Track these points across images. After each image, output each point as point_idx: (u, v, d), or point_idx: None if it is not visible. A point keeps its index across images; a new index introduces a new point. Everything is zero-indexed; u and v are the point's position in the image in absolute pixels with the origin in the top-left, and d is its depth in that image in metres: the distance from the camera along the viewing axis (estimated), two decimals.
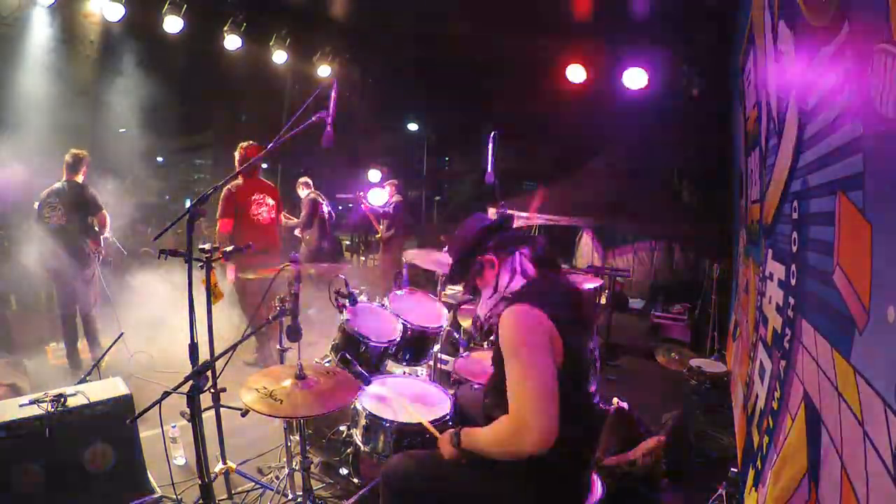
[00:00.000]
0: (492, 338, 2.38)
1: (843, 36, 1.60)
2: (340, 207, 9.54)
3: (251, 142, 5.05)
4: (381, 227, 8.74)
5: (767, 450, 2.40)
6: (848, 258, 1.51)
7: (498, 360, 2.07)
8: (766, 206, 3.10)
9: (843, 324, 1.47)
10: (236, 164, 5.07)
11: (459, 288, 4.91)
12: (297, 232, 7.49)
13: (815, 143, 1.90)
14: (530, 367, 1.84)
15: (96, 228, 5.13)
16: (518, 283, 2.16)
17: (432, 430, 2.63)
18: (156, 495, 2.99)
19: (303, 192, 7.73)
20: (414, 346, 3.71)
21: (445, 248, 2.46)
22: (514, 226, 2.40)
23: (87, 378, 3.74)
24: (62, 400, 2.77)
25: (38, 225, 4.93)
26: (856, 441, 1.34)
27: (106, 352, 4.30)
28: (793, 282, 2.24)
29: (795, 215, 2.21)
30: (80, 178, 5.04)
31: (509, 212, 2.35)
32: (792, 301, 2.23)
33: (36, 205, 4.97)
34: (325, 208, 7.57)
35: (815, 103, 1.92)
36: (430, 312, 3.93)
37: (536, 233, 8.39)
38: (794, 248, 2.21)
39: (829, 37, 1.71)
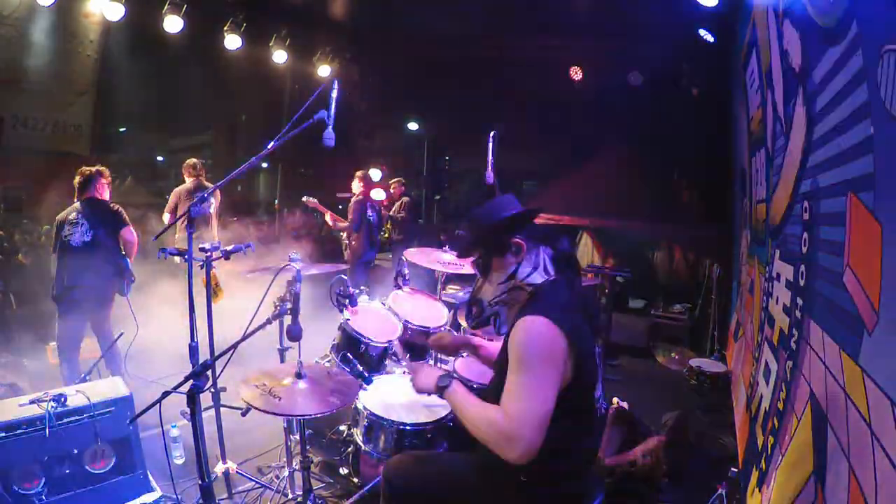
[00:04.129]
0: (487, 327, 2.28)
1: (850, 36, 1.59)
2: (340, 206, 9.52)
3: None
4: (387, 225, 8.65)
5: (772, 450, 2.39)
6: (858, 259, 1.50)
7: (500, 366, 2.04)
8: (774, 206, 3.10)
9: (853, 325, 1.47)
10: None
11: (460, 288, 4.90)
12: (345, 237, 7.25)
13: (825, 144, 1.89)
14: (536, 386, 1.79)
15: (122, 252, 4.52)
16: (539, 278, 2.07)
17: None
18: (156, 495, 2.98)
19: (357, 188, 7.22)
20: (414, 346, 3.70)
21: (465, 224, 2.31)
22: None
23: (88, 378, 3.73)
24: (62, 400, 2.76)
25: (55, 252, 4.33)
26: (863, 442, 1.34)
27: (105, 352, 4.29)
28: (801, 282, 2.23)
29: (806, 216, 2.20)
30: (98, 196, 4.48)
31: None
32: (800, 302, 2.23)
33: (46, 230, 4.45)
34: (370, 212, 7.14)
35: (823, 104, 1.91)
36: (430, 312, 3.92)
37: None
38: (804, 249, 2.20)
39: (838, 37, 1.71)
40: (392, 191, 8.65)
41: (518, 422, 1.77)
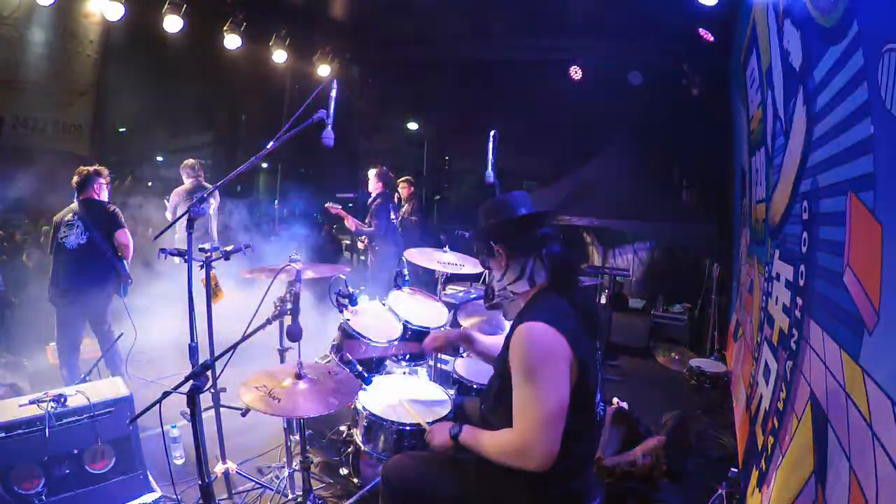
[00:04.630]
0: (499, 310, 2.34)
1: (851, 36, 1.59)
2: (340, 206, 9.52)
3: None
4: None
5: (772, 450, 2.39)
6: (858, 258, 1.50)
7: (500, 367, 2.05)
8: (774, 206, 3.09)
9: (853, 324, 1.46)
10: None
11: (460, 288, 4.90)
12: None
13: (825, 144, 1.89)
14: (542, 392, 1.81)
15: (119, 254, 4.46)
16: (522, 287, 2.11)
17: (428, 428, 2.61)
18: (156, 495, 2.98)
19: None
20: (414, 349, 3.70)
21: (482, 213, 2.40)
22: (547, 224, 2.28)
23: (88, 378, 3.73)
24: (62, 400, 2.76)
25: (51, 253, 4.33)
26: (864, 441, 1.34)
27: (106, 351, 4.29)
28: (801, 282, 2.23)
29: (806, 215, 2.20)
30: (95, 196, 4.45)
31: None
32: (800, 301, 2.23)
33: (45, 231, 4.44)
34: (393, 214, 6.76)
35: (824, 103, 1.91)
36: (430, 312, 3.91)
37: None
38: (804, 249, 2.20)
39: (839, 37, 1.70)
40: (401, 191, 8.04)
41: (526, 436, 1.82)
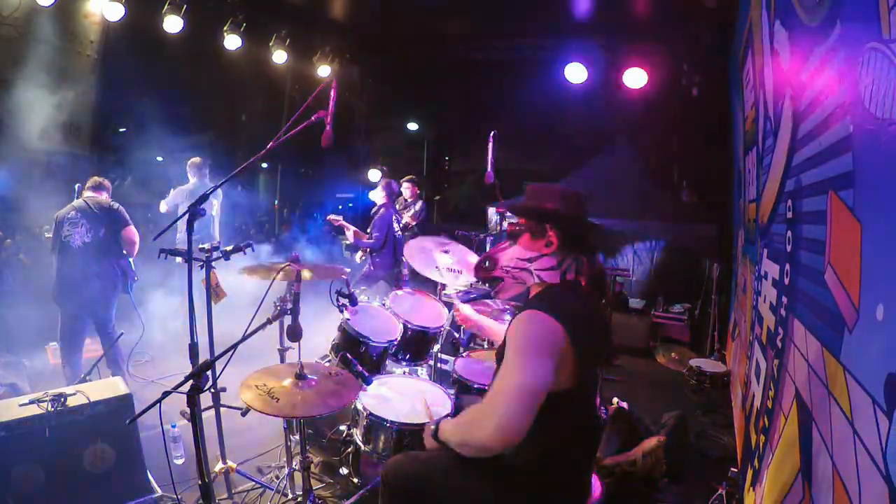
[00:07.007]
0: (484, 285, 2.28)
1: (835, 35, 1.61)
2: (340, 207, 9.50)
3: None
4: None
5: (764, 449, 2.41)
6: (839, 257, 1.51)
7: (499, 361, 2.06)
8: (762, 205, 3.11)
9: (834, 322, 1.48)
10: None
11: (460, 287, 4.92)
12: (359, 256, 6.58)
13: (808, 143, 1.90)
14: (526, 372, 1.78)
15: (124, 251, 4.51)
16: (551, 277, 2.07)
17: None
18: (156, 495, 3.00)
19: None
20: (414, 346, 3.72)
21: (532, 188, 2.28)
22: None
23: (88, 378, 3.76)
24: (62, 400, 2.78)
25: (54, 251, 4.31)
26: (846, 439, 1.35)
27: (106, 351, 4.31)
28: (786, 281, 2.25)
29: (790, 214, 2.21)
30: (97, 196, 4.49)
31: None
32: (785, 300, 2.24)
33: (48, 233, 4.42)
34: (396, 227, 6.42)
35: (808, 102, 1.93)
36: (430, 312, 3.94)
37: None
38: (789, 248, 2.21)
39: (822, 36, 1.72)
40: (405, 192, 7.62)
41: (494, 401, 1.78)
